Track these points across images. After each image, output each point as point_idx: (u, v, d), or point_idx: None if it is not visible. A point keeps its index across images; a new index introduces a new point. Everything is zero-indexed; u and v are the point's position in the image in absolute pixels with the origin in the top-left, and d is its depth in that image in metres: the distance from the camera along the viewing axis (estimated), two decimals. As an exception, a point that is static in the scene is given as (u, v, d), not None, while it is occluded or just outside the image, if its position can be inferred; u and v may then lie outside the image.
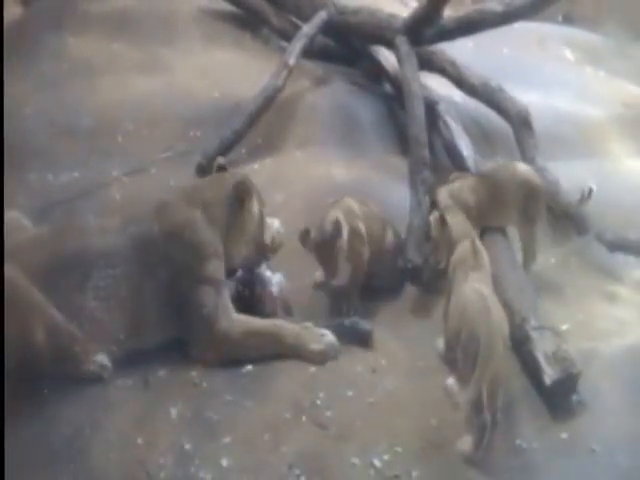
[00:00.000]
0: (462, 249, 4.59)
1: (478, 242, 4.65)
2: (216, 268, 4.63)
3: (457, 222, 4.75)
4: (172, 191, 4.99)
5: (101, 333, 4.44)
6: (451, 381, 4.22)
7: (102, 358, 4.42)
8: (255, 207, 4.87)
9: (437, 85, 6.77)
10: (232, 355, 4.55)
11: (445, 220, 4.75)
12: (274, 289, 4.91)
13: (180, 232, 4.61)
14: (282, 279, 4.94)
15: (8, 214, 4.79)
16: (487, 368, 4.01)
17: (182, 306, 4.55)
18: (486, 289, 4.37)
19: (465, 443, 4.11)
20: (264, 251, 4.99)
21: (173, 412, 4.27)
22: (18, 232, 4.69)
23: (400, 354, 4.72)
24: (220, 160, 5.07)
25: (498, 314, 4.21)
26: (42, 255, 4.43)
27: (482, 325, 4.10)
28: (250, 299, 4.89)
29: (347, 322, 4.78)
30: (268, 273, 4.95)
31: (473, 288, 4.34)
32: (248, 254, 4.88)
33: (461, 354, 4.21)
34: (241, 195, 4.76)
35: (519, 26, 7.05)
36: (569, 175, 6.04)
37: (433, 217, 4.92)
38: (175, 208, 4.70)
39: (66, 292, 4.39)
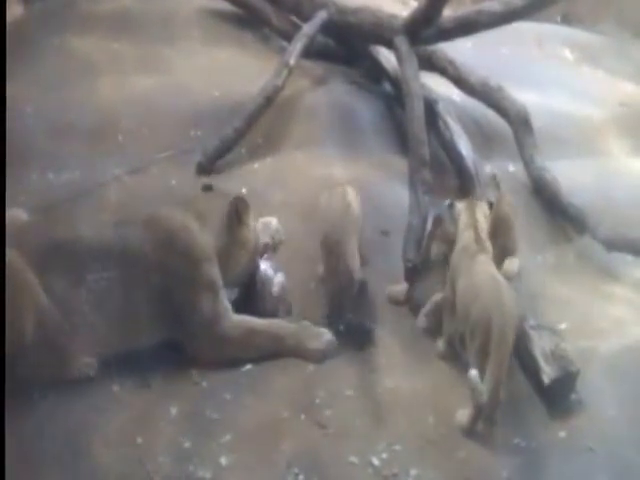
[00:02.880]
0: (465, 238, 4.65)
1: (482, 231, 4.68)
2: (212, 270, 4.63)
3: (465, 212, 4.79)
4: (165, 205, 4.96)
5: (93, 335, 4.41)
6: (474, 372, 4.19)
7: (89, 360, 4.41)
8: (252, 222, 4.90)
9: (436, 85, 6.78)
10: (232, 356, 4.56)
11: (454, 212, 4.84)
12: (275, 288, 4.92)
13: (175, 236, 4.59)
14: (283, 279, 4.95)
15: (10, 212, 4.80)
16: (498, 352, 4.11)
17: (180, 310, 4.54)
18: (497, 273, 4.48)
19: (463, 415, 4.20)
20: (261, 255, 5.02)
21: (173, 411, 4.28)
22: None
23: (399, 353, 4.74)
24: (205, 181, 5.06)
25: (510, 299, 4.28)
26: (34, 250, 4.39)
27: (495, 310, 4.20)
28: (251, 297, 4.91)
29: (346, 321, 4.79)
30: (270, 272, 4.97)
31: (486, 271, 4.45)
32: (246, 266, 4.91)
33: (470, 335, 4.28)
34: (240, 211, 4.78)
35: (518, 26, 7.04)
36: (568, 174, 6.08)
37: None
38: (169, 215, 4.70)
39: (56, 293, 4.36)
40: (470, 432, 4.18)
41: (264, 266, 4.96)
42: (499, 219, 5.04)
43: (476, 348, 4.23)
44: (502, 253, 4.99)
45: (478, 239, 4.63)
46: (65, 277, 4.39)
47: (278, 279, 4.93)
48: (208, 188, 4.99)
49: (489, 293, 4.30)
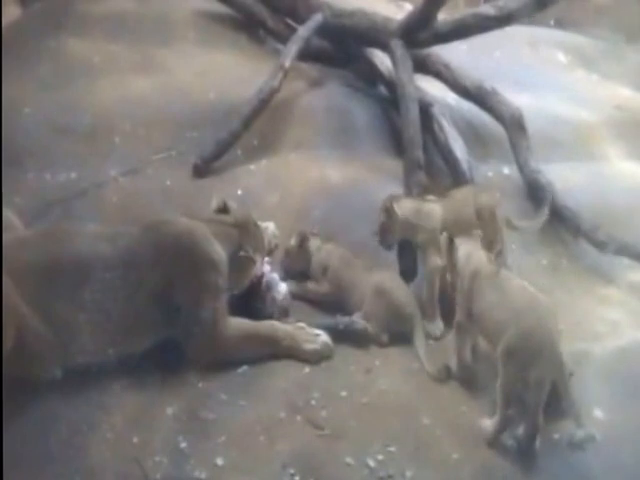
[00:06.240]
0: (475, 261, 4.56)
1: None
2: (215, 274, 4.63)
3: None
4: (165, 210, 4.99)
5: (92, 339, 4.42)
6: (488, 422, 4.24)
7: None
8: (255, 257, 4.92)
9: (431, 87, 6.79)
10: (229, 357, 4.58)
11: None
12: (279, 296, 4.95)
13: (180, 239, 4.60)
14: (287, 289, 5.00)
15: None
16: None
17: (179, 311, 4.55)
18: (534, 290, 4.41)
19: (488, 424, 4.22)
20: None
21: (169, 411, 4.29)
22: (5, 232, 4.62)
23: (394, 354, 4.76)
24: (222, 202, 5.06)
25: (553, 317, 4.25)
26: (30, 258, 4.37)
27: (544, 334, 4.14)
28: (252, 297, 4.95)
29: (342, 322, 4.81)
30: (276, 278, 5.01)
31: (521, 289, 4.36)
32: (245, 283, 4.96)
33: (504, 355, 4.16)
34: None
35: (512, 30, 7.05)
36: (562, 177, 6.10)
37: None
38: (173, 220, 4.71)
39: (53, 296, 4.33)
40: (494, 443, 4.19)
41: (272, 273, 5.02)
42: (478, 213, 5.01)
43: (512, 372, 4.14)
44: (486, 248, 4.97)
45: (490, 260, 4.56)
46: (66, 286, 4.39)
47: (283, 288, 4.97)
48: (224, 210, 4.99)
49: (532, 315, 4.21)
